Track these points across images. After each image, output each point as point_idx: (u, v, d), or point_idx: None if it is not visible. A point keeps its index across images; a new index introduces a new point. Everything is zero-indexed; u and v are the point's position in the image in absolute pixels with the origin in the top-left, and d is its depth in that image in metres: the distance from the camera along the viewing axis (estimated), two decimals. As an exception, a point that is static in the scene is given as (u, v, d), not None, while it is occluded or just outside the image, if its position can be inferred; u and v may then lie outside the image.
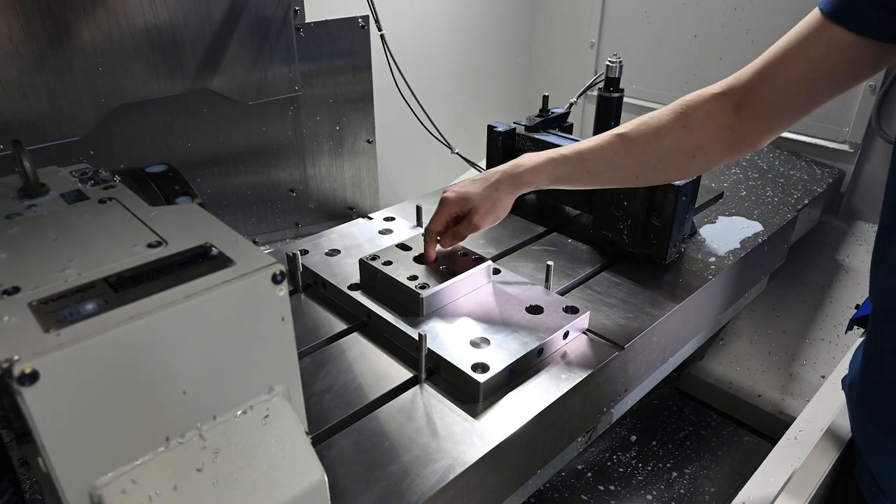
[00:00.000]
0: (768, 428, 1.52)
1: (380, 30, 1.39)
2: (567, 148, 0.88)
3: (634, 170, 0.85)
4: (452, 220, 0.92)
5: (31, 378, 0.38)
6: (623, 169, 0.85)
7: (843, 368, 1.07)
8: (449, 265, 0.94)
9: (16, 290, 0.44)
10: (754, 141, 0.78)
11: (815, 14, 0.69)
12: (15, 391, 0.38)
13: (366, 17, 1.38)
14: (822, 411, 0.98)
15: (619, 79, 1.27)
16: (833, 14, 0.66)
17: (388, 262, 0.94)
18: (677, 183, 0.98)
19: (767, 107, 0.74)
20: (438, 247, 0.96)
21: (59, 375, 0.39)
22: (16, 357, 0.37)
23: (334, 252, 1.06)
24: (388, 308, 0.89)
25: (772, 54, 0.73)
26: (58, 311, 0.42)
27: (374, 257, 0.95)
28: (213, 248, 0.50)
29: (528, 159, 0.89)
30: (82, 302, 0.43)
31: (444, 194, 0.92)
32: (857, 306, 1.47)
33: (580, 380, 0.80)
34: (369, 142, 1.51)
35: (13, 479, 0.58)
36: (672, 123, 0.80)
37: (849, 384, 0.83)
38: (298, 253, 1.00)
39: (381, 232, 1.14)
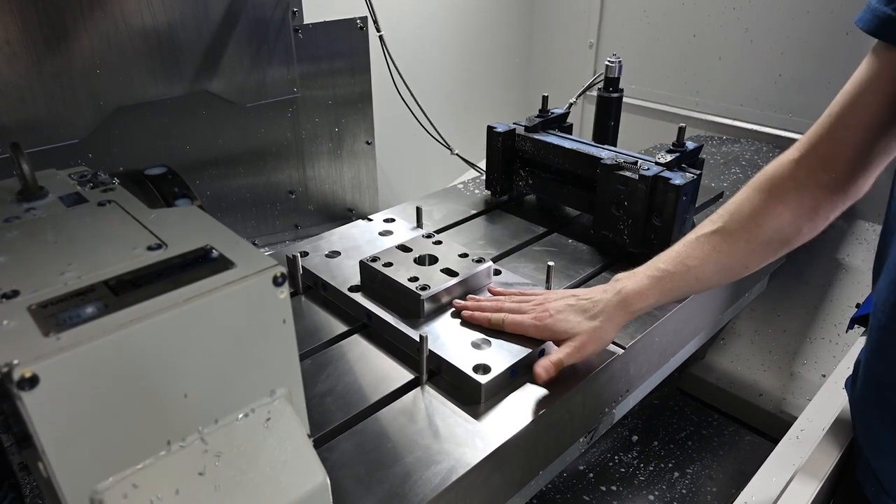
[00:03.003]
0: (770, 427, 1.52)
1: (378, 31, 1.39)
2: (664, 259, 0.82)
3: (743, 261, 0.80)
4: None
5: (31, 382, 0.38)
6: (732, 266, 0.81)
7: (844, 367, 1.07)
8: (449, 266, 0.93)
9: (15, 293, 0.44)
10: (856, 187, 0.75)
11: (872, 53, 0.69)
12: (15, 395, 0.37)
13: (364, 18, 1.38)
14: (823, 410, 0.98)
15: (618, 79, 1.27)
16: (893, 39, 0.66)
17: (389, 264, 0.93)
18: (677, 182, 0.98)
19: (854, 153, 0.72)
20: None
21: (58, 379, 0.39)
22: (15, 361, 0.37)
23: (334, 254, 1.06)
24: (388, 310, 0.89)
25: (845, 104, 0.72)
26: (57, 314, 0.42)
27: (374, 259, 0.95)
28: (214, 251, 0.50)
29: (630, 283, 0.81)
30: (82, 305, 0.43)
31: (541, 315, 0.81)
32: (858, 305, 1.47)
33: (582, 381, 0.80)
34: (368, 143, 1.50)
35: (14, 483, 0.58)
36: (766, 203, 0.77)
37: (851, 384, 0.82)
38: (298, 255, 1.00)
39: (381, 233, 1.13)
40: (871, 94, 0.69)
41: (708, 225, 0.81)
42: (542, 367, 0.78)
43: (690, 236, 0.82)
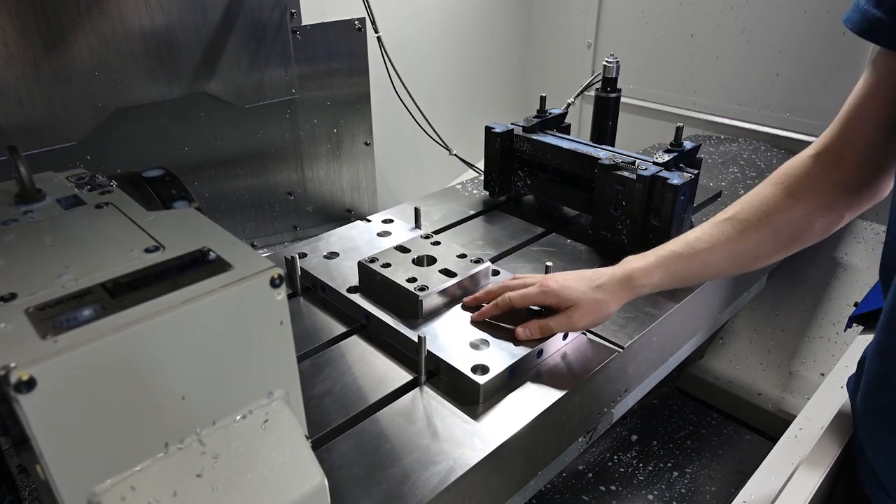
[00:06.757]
0: (768, 426, 1.52)
1: (376, 32, 1.39)
2: (675, 243, 0.84)
3: (753, 251, 0.81)
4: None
5: (28, 385, 0.38)
6: (741, 253, 0.82)
7: (842, 366, 1.07)
8: (448, 267, 0.93)
9: (12, 296, 0.44)
10: (870, 188, 0.76)
11: (877, 58, 0.70)
12: (12, 398, 0.37)
13: (362, 20, 1.38)
14: (822, 409, 0.98)
15: (616, 79, 1.27)
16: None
17: (387, 265, 0.93)
18: (675, 182, 0.98)
19: (865, 154, 0.73)
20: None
21: (56, 382, 0.39)
22: (12, 364, 0.37)
23: (333, 255, 1.06)
24: (387, 310, 0.89)
25: (853, 104, 0.73)
26: (55, 317, 0.42)
27: (372, 259, 0.95)
28: (211, 253, 0.50)
29: (637, 262, 0.83)
30: (79, 308, 0.43)
31: (545, 281, 0.83)
32: (857, 304, 1.47)
33: (580, 381, 0.80)
34: (367, 144, 1.51)
35: (12, 486, 0.58)
36: (779, 196, 0.78)
37: (854, 384, 0.82)
38: (297, 256, 1.00)
39: (379, 234, 1.13)
40: (875, 98, 0.70)
41: (722, 213, 0.83)
42: (526, 325, 0.81)
43: (705, 223, 0.84)
